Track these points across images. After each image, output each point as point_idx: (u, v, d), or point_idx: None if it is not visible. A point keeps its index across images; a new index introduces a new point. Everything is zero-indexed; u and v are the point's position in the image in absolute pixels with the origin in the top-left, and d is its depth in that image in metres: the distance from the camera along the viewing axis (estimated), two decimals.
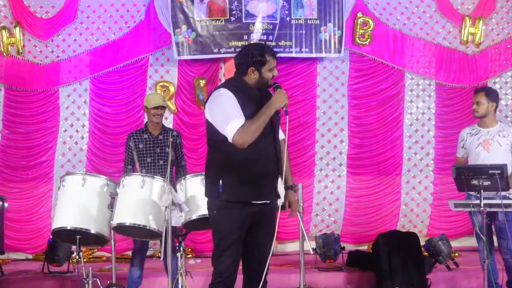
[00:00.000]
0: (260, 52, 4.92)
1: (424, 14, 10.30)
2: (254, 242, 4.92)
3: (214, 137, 4.83)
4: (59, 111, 9.98)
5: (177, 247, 5.82)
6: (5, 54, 9.78)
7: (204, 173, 5.13)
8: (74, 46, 9.95)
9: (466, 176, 6.18)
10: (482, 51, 10.30)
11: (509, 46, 10.33)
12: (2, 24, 9.79)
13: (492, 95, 6.87)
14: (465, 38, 10.21)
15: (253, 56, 4.88)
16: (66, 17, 9.89)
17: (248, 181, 4.78)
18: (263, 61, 4.87)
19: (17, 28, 9.72)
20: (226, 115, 4.68)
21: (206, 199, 5.58)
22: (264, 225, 4.92)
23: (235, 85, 4.88)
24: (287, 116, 4.81)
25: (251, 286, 4.98)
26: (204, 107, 4.95)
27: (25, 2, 9.86)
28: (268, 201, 4.90)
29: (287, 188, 5.05)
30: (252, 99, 4.85)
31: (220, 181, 4.78)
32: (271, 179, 4.87)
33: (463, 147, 6.98)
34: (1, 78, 9.85)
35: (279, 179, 4.88)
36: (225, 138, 4.68)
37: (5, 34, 9.71)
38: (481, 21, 10.13)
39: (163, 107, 7.01)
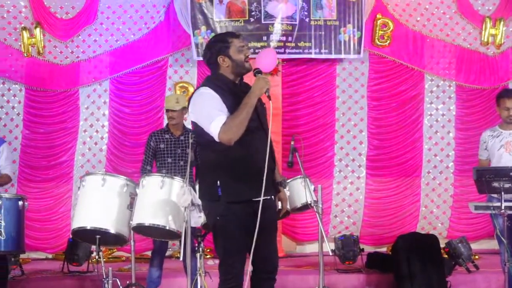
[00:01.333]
0: (219, 38, 4.89)
1: (444, 16, 10.26)
2: (258, 242, 4.69)
3: (202, 138, 4.72)
4: (79, 111, 10.03)
5: (196, 248, 5.80)
6: (25, 55, 9.85)
7: None
8: (94, 46, 10.00)
9: (487, 178, 6.12)
10: (502, 53, 10.24)
11: None
12: (22, 25, 9.85)
13: None
14: (485, 40, 10.16)
15: (215, 45, 4.81)
16: (86, 18, 9.95)
17: (246, 179, 4.66)
18: (226, 44, 4.76)
19: (38, 29, 9.79)
20: (209, 114, 4.58)
21: None
22: (266, 222, 4.75)
23: (214, 82, 4.76)
24: (270, 102, 4.62)
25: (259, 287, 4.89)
26: (190, 108, 4.82)
27: (45, 3, 9.93)
28: (268, 197, 4.77)
29: (276, 184, 4.96)
30: (233, 92, 4.74)
31: (218, 182, 4.67)
32: (268, 174, 4.65)
33: (485, 149, 6.94)
34: (21, 79, 9.93)
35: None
36: (213, 137, 4.59)
37: (25, 34, 9.78)
38: (501, 22, 10.09)
39: (174, 110, 6.98)
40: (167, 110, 7.01)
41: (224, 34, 5.02)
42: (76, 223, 5.76)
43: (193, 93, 4.86)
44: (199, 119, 4.70)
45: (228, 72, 4.80)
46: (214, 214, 4.75)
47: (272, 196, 4.88)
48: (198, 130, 4.76)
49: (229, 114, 4.58)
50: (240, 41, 4.83)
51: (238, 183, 4.66)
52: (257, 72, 4.75)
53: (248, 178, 4.68)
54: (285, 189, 5.05)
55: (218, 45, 4.80)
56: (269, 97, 4.67)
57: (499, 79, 10.18)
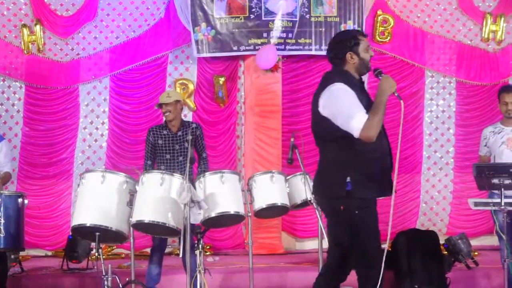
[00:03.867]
0: (351, 34, 4.89)
1: (444, 12, 10.25)
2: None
3: (330, 133, 4.70)
4: (79, 108, 10.04)
5: (196, 245, 5.82)
6: (25, 52, 9.85)
7: (228, 170, 5.03)
8: (94, 43, 10.00)
9: (487, 175, 6.11)
10: (503, 49, 10.24)
11: None
12: (22, 22, 9.85)
13: None
14: (486, 36, 10.15)
15: (346, 40, 4.82)
16: (86, 15, 9.94)
17: (375, 178, 4.71)
18: (357, 42, 4.79)
19: (38, 26, 9.78)
20: (349, 111, 4.57)
21: (225, 196, 5.60)
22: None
23: (345, 78, 4.77)
24: (402, 102, 4.71)
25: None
26: (319, 102, 4.78)
27: (45, 0, 9.92)
28: (388, 196, 4.83)
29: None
30: (361, 90, 4.79)
31: (348, 178, 4.66)
32: (389, 172, 4.81)
33: (486, 145, 6.94)
34: (21, 76, 9.93)
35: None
36: (347, 134, 4.58)
37: (25, 32, 9.78)
38: (502, 19, 10.08)
39: (167, 105, 6.94)
40: (160, 106, 6.95)
41: (353, 31, 5.04)
42: (76, 220, 5.76)
43: (323, 88, 4.81)
44: (335, 115, 4.67)
45: (353, 69, 4.83)
46: (350, 209, 4.73)
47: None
48: (326, 125, 4.73)
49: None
50: (367, 40, 4.89)
51: (367, 180, 4.68)
52: (378, 72, 4.77)
53: (378, 176, 4.73)
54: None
55: (349, 41, 4.81)
56: (398, 96, 4.72)
57: (500, 75, 10.16)
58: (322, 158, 4.96)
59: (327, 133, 4.77)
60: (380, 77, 4.74)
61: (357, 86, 4.78)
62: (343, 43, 4.82)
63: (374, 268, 4.74)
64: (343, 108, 4.62)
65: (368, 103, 4.72)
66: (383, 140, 4.76)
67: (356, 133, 4.55)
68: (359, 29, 9.50)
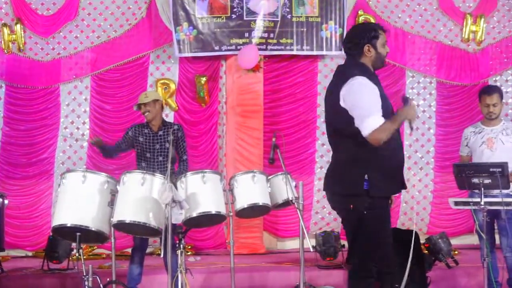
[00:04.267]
0: (372, 27, 4.91)
1: (425, 12, 10.30)
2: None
3: (348, 128, 4.66)
4: (60, 108, 10.00)
5: (177, 245, 5.81)
6: (6, 51, 9.81)
7: (209, 170, 5.01)
8: (75, 43, 9.96)
9: (467, 174, 6.16)
10: (483, 49, 10.30)
11: (510, 44, 10.34)
12: (3, 21, 9.80)
13: (502, 94, 6.92)
14: (466, 36, 10.21)
15: (365, 32, 4.81)
16: (67, 14, 9.90)
17: (392, 174, 4.72)
18: (377, 35, 4.79)
19: (18, 25, 9.73)
20: (368, 108, 4.55)
21: (206, 196, 5.58)
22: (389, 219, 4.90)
23: (366, 71, 4.75)
24: (412, 133, 4.84)
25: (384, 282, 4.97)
26: (340, 94, 4.71)
27: None
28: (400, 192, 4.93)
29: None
30: (379, 83, 4.77)
31: (366, 176, 4.63)
32: (402, 168, 4.89)
33: (467, 145, 6.98)
34: (2, 75, 9.88)
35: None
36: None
37: (6, 31, 9.72)
38: (482, 19, 10.14)
39: (146, 105, 6.92)
40: (139, 107, 6.95)
41: (374, 24, 5.05)
42: (57, 221, 5.73)
43: (345, 79, 4.73)
44: (353, 109, 4.63)
45: (369, 62, 4.82)
46: (359, 208, 4.71)
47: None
48: (344, 118, 4.69)
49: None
50: (385, 36, 4.87)
51: (385, 178, 4.67)
52: (406, 99, 4.80)
53: (394, 174, 4.75)
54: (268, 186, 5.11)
55: (369, 33, 4.80)
56: (411, 127, 4.75)
57: (480, 76, 10.24)
58: (337, 154, 4.92)
59: (346, 127, 4.70)
60: (405, 104, 4.75)
61: (376, 79, 4.77)
62: (362, 35, 4.81)
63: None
64: (363, 104, 4.59)
65: (386, 98, 4.73)
66: (396, 134, 4.73)
67: (366, 132, 4.52)
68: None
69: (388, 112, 4.68)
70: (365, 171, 4.64)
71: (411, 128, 4.73)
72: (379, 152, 4.60)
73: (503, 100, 6.99)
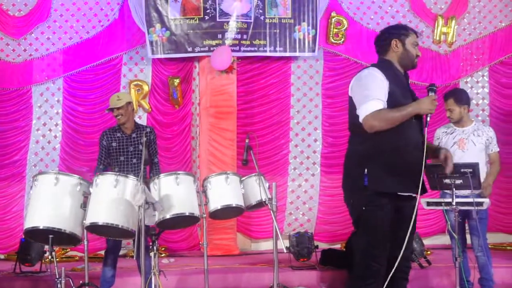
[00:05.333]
0: (402, 26, 4.97)
1: (397, 14, 10.38)
2: (400, 239, 4.70)
3: (356, 121, 4.69)
4: (32, 110, 9.92)
5: (151, 246, 5.80)
6: None
7: (182, 172, 5.01)
8: (47, 44, 9.90)
9: (439, 175, 6.22)
10: (454, 51, 10.40)
11: (480, 45, 10.44)
12: None
13: (462, 99, 6.94)
14: (437, 38, 10.31)
15: (396, 29, 4.89)
16: (39, 15, 9.84)
17: (397, 171, 4.63)
18: (407, 33, 4.84)
19: None
20: (367, 94, 4.59)
21: (180, 198, 5.57)
22: (406, 220, 4.71)
23: (385, 66, 4.78)
24: (426, 128, 4.71)
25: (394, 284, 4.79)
26: (350, 85, 4.84)
27: None
28: (413, 195, 4.73)
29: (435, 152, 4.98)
30: (400, 81, 4.77)
31: (366, 171, 4.62)
32: (418, 170, 4.68)
33: (438, 145, 7.04)
34: None
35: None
36: None
37: None
38: (453, 21, 10.24)
39: (118, 108, 6.89)
40: (111, 110, 6.92)
41: (406, 26, 5.01)
42: (29, 223, 5.69)
43: (359, 72, 4.85)
44: (355, 95, 4.71)
45: (395, 59, 4.85)
46: (359, 204, 4.71)
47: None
48: (351, 112, 4.77)
49: (385, 105, 4.57)
50: (417, 39, 4.92)
51: (387, 174, 4.61)
52: (431, 88, 4.77)
53: (399, 171, 4.64)
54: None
55: (399, 30, 4.87)
56: (426, 122, 4.71)
57: (451, 77, 10.33)
58: (347, 150, 4.95)
59: (352, 120, 4.80)
60: (429, 93, 4.75)
61: (395, 76, 4.76)
62: (392, 31, 4.89)
63: (374, 279, 4.68)
64: (364, 90, 4.65)
65: (404, 95, 4.71)
66: (409, 132, 4.68)
67: (361, 117, 4.57)
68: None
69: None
70: (365, 166, 4.64)
71: (426, 124, 4.72)
72: (381, 148, 4.61)
73: (474, 101, 7.04)
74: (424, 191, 4.88)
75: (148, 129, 7.03)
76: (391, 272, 4.69)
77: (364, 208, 4.68)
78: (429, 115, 4.70)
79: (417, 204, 4.79)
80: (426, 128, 4.73)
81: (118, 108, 6.84)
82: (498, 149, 6.98)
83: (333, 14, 10.13)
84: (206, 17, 9.73)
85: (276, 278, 6.64)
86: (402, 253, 4.70)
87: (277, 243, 6.66)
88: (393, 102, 4.64)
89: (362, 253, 4.78)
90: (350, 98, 4.83)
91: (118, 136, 6.90)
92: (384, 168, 4.62)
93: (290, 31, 9.88)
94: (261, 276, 7.92)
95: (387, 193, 4.67)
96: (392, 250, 4.76)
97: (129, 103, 6.94)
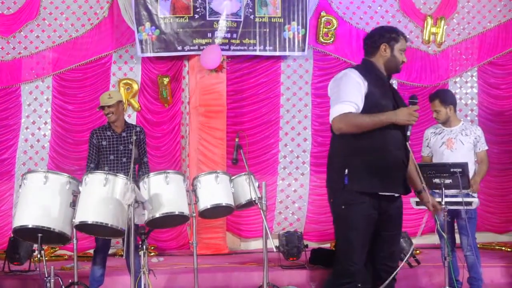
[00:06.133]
0: (393, 29, 4.90)
1: (386, 14, 10.40)
2: (384, 239, 4.76)
3: None
4: (21, 108, 9.88)
5: (140, 245, 5.80)
6: None
7: (172, 170, 5.01)
8: (37, 42, 9.86)
9: (428, 174, 6.24)
10: (443, 51, 10.43)
11: (469, 46, 10.48)
12: None
13: (447, 99, 6.95)
14: (426, 38, 10.34)
15: (386, 32, 4.83)
16: (28, 13, 9.80)
17: (377, 171, 4.60)
18: (397, 38, 4.81)
19: None
20: (339, 96, 4.59)
21: (169, 197, 5.57)
22: (391, 220, 4.75)
23: (367, 68, 4.77)
24: (408, 142, 4.74)
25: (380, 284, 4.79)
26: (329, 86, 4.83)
27: None
28: (396, 194, 4.76)
29: (418, 192, 5.05)
30: (383, 85, 4.75)
31: (346, 170, 4.60)
32: (400, 170, 4.71)
33: (427, 146, 7.07)
34: None
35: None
36: None
37: None
38: (442, 21, 10.27)
39: (110, 106, 6.88)
40: (103, 108, 6.90)
41: (397, 30, 4.95)
42: (18, 222, 5.67)
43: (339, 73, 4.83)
44: (331, 97, 4.71)
45: (381, 63, 4.82)
46: (338, 203, 4.70)
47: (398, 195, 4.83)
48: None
49: (359, 108, 4.57)
50: (405, 44, 4.88)
51: (368, 174, 4.60)
52: (413, 101, 4.70)
53: (380, 171, 4.62)
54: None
55: (390, 34, 4.82)
56: (408, 136, 4.73)
57: (440, 77, 10.37)
58: (328, 151, 4.93)
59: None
60: (409, 103, 4.71)
61: (376, 77, 4.76)
62: (383, 34, 4.85)
63: (352, 279, 4.65)
64: (338, 92, 4.65)
65: (384, 96, 4.70)
66: (392, 132, 4.66)
67: (330, 118, 4.59)
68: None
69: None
70: (346, 166, 4.64)
71: (408, 138, 4.74)
72: (362, 148, 4.60)
73: (463, 101, 7.07)
74: (407, 191, 4.88)
75: (138, 129, 7.01)
76: (389, 279, 4.74)
77: (343, 207, 4.67)
78: (409, 127, 4.69)
79: (401, 204, 4.86)
80: (408, 142, 4.76)
81: (109, 106, 6.82)
82: (486, 147, 7.00)
83: (323, 13, 10.14)
84: (196, 16, 9.71)
85: (266, 277, 6.64)
86: (384, 252, 4.78)
87: (266, 242, 6.66)
88: (371, 102, 4.63)
89: (339, 252, 4.79)
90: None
91: (108, 135, 6.88)
92: (364, 167, 4.61)
93: (280, 30, 9.88)
94: (251, 275, 7.92)
95: (367, 193, 4.66)
96: (378, 251, 4.79)
97: (120, 101, 6.92)
